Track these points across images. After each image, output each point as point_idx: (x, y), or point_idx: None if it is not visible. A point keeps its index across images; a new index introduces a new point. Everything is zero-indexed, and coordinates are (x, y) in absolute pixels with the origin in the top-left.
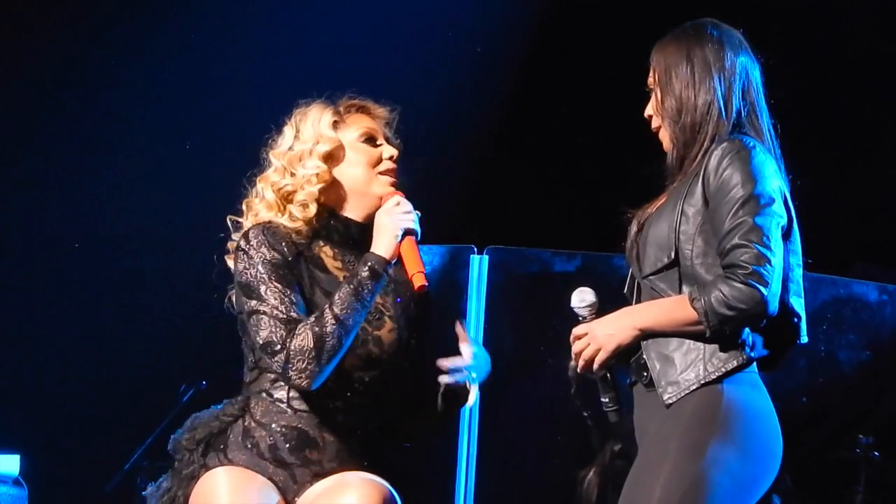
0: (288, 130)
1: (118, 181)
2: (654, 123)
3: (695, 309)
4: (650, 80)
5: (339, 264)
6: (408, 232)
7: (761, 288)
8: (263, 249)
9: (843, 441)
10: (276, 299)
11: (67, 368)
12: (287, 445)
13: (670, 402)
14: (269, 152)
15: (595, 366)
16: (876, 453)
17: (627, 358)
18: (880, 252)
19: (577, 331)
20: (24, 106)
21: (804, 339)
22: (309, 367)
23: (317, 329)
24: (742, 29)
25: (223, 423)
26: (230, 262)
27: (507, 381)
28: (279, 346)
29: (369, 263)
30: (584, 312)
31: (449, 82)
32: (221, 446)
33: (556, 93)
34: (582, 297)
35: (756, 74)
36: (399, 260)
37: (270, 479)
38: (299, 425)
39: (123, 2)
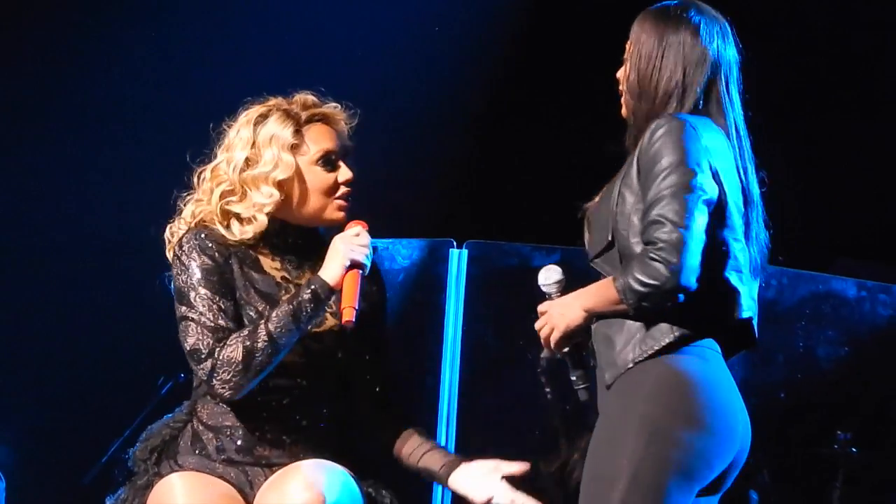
0: (244, 133)
1: (96, 177)
2: (621, 88)
3: (615, 288)
4: (627, 47)
5: (276, 265)
6: (356, 264)
7: (673, 263)
8: (195, 255)
9: (822, 437)
10: (204, 306)
11: (44, 360)
12: (234, 446)
13: (609, 382)
14: (221, 152)
15: (551, 345)
16: (854, 449)
17: (588, 337)
18: (860, 247)
19: (540, 308)
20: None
21: (744, 314)
22: (234, 379)
23: (248, 343)
24: (730, 17)
25: (174, 430)
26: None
27: (486, 375)
28: (205, 354)
29: (313, 287)
30: (550, 290)
31: (428, 75)
32: (173, 453)
33: (538, 86)
34: (548, 275)
35: (731, 65)
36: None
37: (223, 479)
38: (245, 425)
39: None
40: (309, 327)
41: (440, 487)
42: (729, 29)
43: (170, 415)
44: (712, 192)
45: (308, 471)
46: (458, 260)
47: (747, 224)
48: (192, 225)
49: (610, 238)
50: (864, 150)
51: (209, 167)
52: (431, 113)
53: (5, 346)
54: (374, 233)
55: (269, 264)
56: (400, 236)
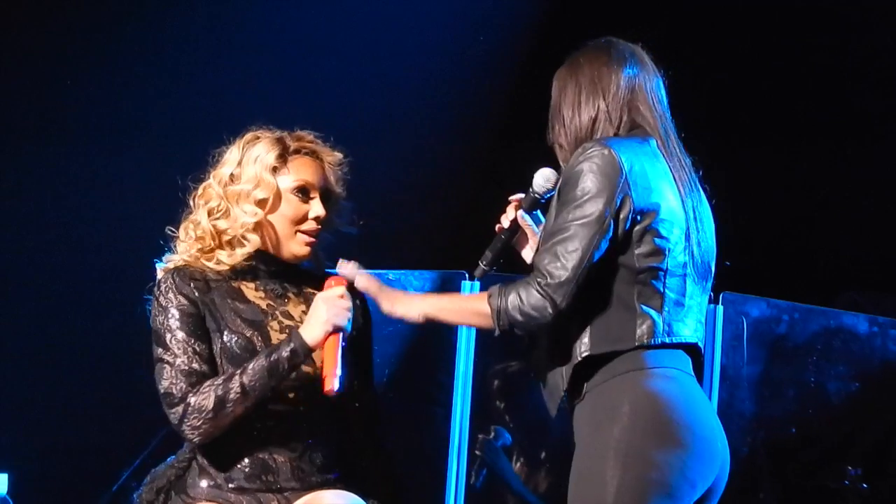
0: (234, 153)
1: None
2: (553, 146)
3: (489, 305)
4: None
5: (260, 294)
6: (338, 329)
7: (557, 301)
8: (171, 296)
9: (832, 472)
10: (179, 349)
11: (56, 387)
12: (242, 474)
13: (553, 414)
14: (212, 172)
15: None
16: (864, 485)
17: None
18: (868, 281)
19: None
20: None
21: (658, 339)
22: (203, 426)
23: (220, 392)
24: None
25: (179, 469)
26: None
27: (495, 406)
28: (177, 399)
29: (292, 345)
30: (539, 192)
31: (441, 105)
32: (182, 488)
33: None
34: (546, 177)
35: (652, 83)
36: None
37: None
38: (249, 450)
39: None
40: (281, 384)
41: (453, 492)
42: (642, 53)
43: (173, 456)
44: (625, 222)
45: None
46: (469, 292)
47: (687, 238)
48: (179, 263)
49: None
50: (867, 179)
51: (201, 185)
52: (445, 143)
53: (18, 374)
54: (385, 264)
55: (253, 294)
56: (411, 268)
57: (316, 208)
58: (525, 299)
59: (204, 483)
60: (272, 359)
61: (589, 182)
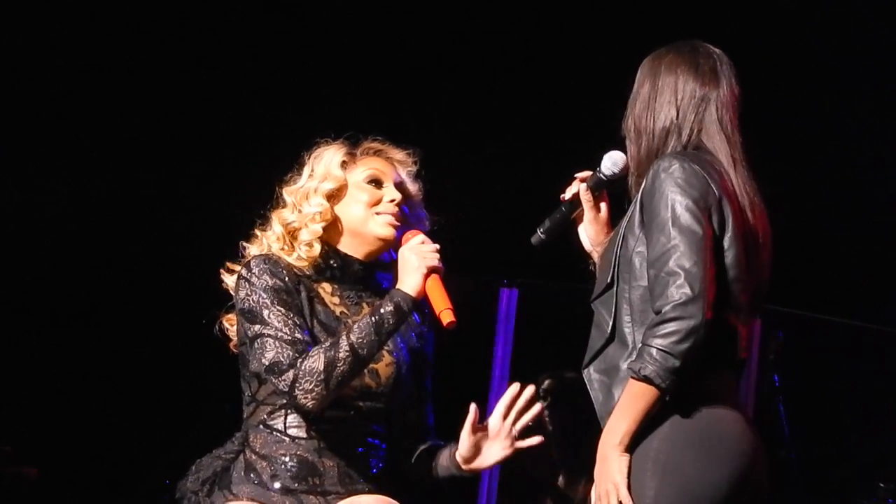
0: (305, 169)
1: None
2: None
3: (643, 380)
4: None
5: (336, 300)
6: (434, 269)
7: (693, 320)
8: (266, 277)
9: (864, 488)
10: (279, 322)
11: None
12: (289, 473)
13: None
14: (283, 188)
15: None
16: (892, 500)
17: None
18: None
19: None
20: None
21: (739, 353)
22: (316, 388)
23: (330, 353)
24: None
25: (226, 461)
26: (227, 283)
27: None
28: (286, 366)
29: (395, 300)
30: (608, 173)
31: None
32: (227, 483)
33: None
34: (614, 160)
35: (726, 99)
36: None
37: None
38: (298, 452)
39: None
40: (389, 340)
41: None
42: (726, 63)
43: (219, 448)
44: (709, 230)
45: None
46: (507, 300)
47: (748, 258)
48: (267, 251)
49: (609, 280)
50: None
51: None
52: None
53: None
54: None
55: (329, 299)
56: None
57: (391, 192)
58: (665, 344)
59: (249, 479)
60: (376, 317)
61: (677, 195)
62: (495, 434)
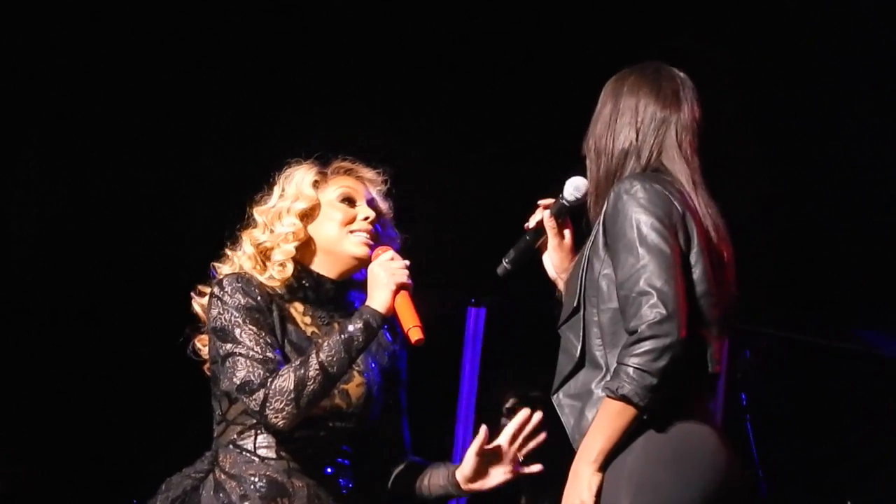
0: (275, 189)
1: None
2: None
3: (621, 399)
4: None
5: (308, 320)
6: (402, 286)
7: (668, 338)
8: (238, 296)
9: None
10: (251, 341)
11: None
12: (258, 494)
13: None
14: (254, 208)
15: None
16: None
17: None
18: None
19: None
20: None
21: (711, 368)
22: (286, 408)
23: (300, 372)
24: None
25: (195, 480)
26: (197, 307)
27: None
28: (257, 385)
29: (364, 317)
30: (570, 199)
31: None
32: (195, 503)
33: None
34: (576, 185)
35: (686, 122)
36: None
37: None
38: (268, 473)
39: None
40: (359, 358)
41: None
42: (689, 87)
43: (189, 466)
44: (676, 248)
45: None
46: (475, 319)
47: (715, 273)
48: (239, 270)
49: (576, 304)
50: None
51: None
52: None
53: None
54: None
55: (301, 319)
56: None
57: (364, 210)
58: (642, 362)
59: (218, 499)
60: (345, 334)
61: (641, 215)
62: (500, 457)
